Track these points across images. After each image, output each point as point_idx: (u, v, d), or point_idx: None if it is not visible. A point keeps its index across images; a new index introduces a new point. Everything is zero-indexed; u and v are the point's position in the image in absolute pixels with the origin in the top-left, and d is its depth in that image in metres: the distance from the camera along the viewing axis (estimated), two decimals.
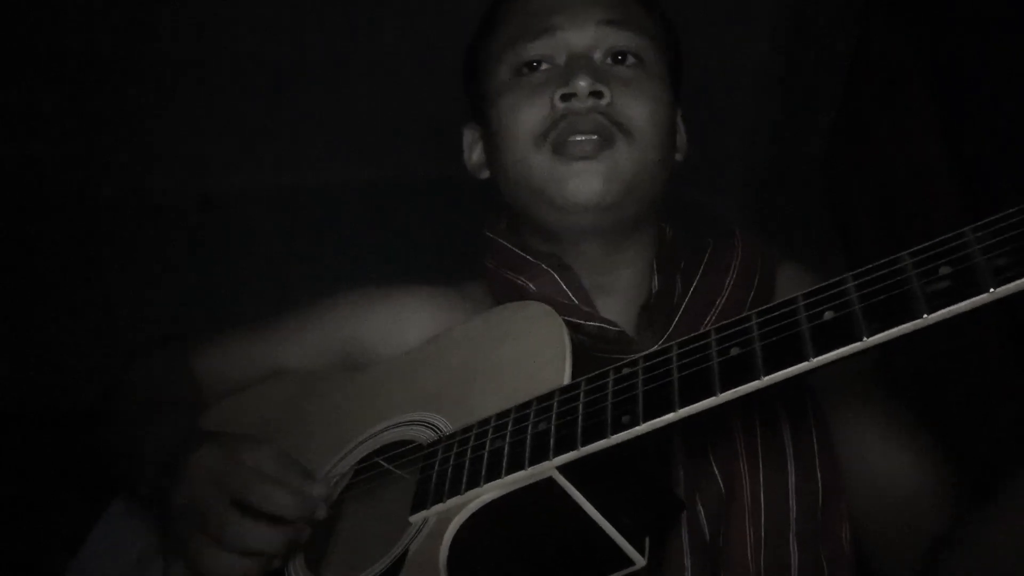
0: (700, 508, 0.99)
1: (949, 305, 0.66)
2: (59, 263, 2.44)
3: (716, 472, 1.01)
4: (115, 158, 2.33)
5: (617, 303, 1.14)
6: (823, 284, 0.74)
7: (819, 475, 1.03)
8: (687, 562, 0.97)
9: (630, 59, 1.15)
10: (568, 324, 0.97)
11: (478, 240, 1.24)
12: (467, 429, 0.92)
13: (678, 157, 1.24)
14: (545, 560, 0.86)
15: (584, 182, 1.08)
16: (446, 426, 0.96)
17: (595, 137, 1.09)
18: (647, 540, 0.85)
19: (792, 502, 1.00)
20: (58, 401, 2.28)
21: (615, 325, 1.08)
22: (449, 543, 0.85)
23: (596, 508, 0.82)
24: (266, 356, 1.22)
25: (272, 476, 0.94)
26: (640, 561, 0.83)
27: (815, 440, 1.04)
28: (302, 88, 2.21)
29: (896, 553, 1.04)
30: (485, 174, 1.24)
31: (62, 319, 2.45)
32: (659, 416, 0.77)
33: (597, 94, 1.10)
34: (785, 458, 1.02)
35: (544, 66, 1.15)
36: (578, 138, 1.09)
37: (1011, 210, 0.67)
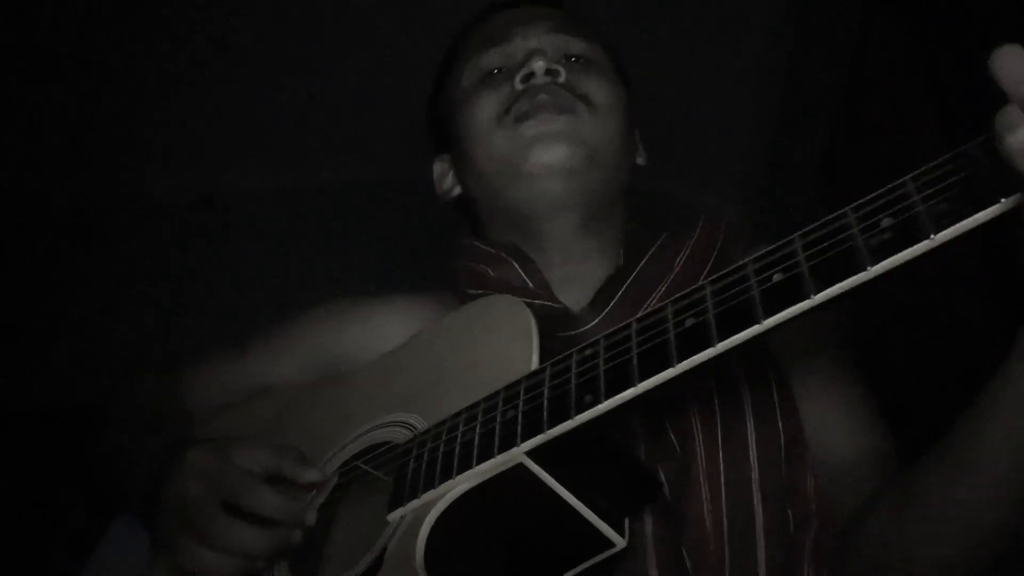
0: (662, 477, 1.00)
1: (892, 255, 0.66)
2: (59, 263, 2.43)
3: (671, 435, 1.02)
4: (115, 158, 2.33)
5: (582, 292, 1.16)
6: (772, 247, 0.75)
7: (780, 425, 1.03)
8: (649, 536, 0.97)
9: (582, 60, 1.21)
10: None
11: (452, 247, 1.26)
12: (439, 425, 0.93)
13: (640, 161, 1.27)
14: (525, 548, 0.86)
15: (549, 146, 1.12)
16: (421, 425, 0.97)
17: (556, 104, 1.13)
18: (627, 521, 0.85)
19: (752, 455, 1.01)
20: (58, 401, 2.28)
21: (558, 302, 1.12)
22: (426, 538, 0.85)
23: (570, 492, 0.82)
24: (249, 376, 1.24)
25: (265, 473, 0.95)
26: (621, 542, 0.84)
27: (775, 391, 1.05)
28: (302, 88, 2.21)
29: (832, 514, 1.03)
30: (456, 191, 1.28)
31: (62, 319, 2.44)
32: (620, 392, 0.78)
33: (554, 72, 1.16)
34: (743, 411, 1.03)
35: (504, 71, 1.20)
36: (540, 98, 1.13)
37: (947, 155, 0.66)
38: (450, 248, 1.26)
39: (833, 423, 1.06)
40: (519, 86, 1.15)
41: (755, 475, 1.00)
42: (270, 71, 2.18)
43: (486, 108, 1.17)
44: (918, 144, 1.83)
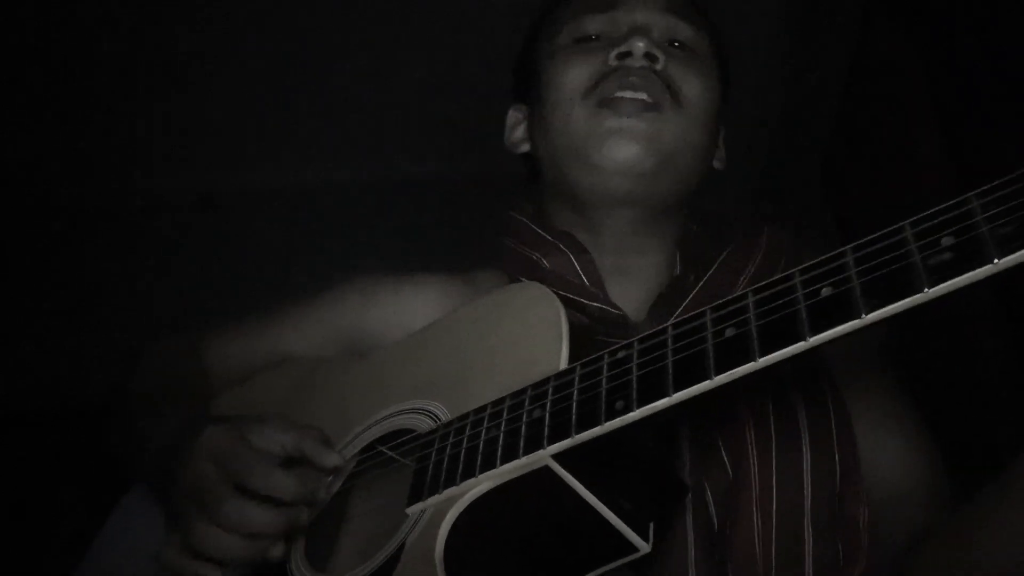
0: (709, 495, 0.96)
1: (951, 278, 0.62)
2: (59, 263, 2.43)
3: (724, 456, 0.98)
4: (115, 158, 2.33)
5: (635, 289, 1.13)
6: (821, 258, 0.71)
7: (837, 456, 0.99)
8: (691, 552, 0.94)
9: (687, 49, 1.16)
10: (572, 304, 0.95)
11: (490, 232, 1.24)
12: (463, 418, 0.91)
13: (717, 165, 1.23)
14: (546, 549, 0.85)
15: (624, 143, 1.08)
16: (444, 414, 0.95)
17: (643, 95, 1.08)
18: (651, 526, 0.83)
19: (807, 485, 0.97)
20: (58, 401, 2.28)
21: (618, 309, 1.07)
22: (446, 535, 0.83)
23: (595, 495, 0.80)
24: (272, 344, 1.22)
25: (284, 454, 0.94)
26: (644, 547, 0.82)
27: (832, 418, 1.00)
28: (303, 87, 2.21)
29: (880, 545, 0.99)
30: (524, 148, 1.24)
31: (62, 319, 2.44)
32: (653, 402, 0.75)
33: (652, 57, 1.09)
34: (799, 439, 0.98)
35: (602, 39, 1.15)
36: (627, 94, 1.08)
37: (1015, 174, 0.62)
38: (499, 222, 1.22)
39: (886, 451, 1.03)
40: (613, 62, 1.10)
41: (808, 504, 0.96)
42: (271, 71, 2.17)
43: (575, 76, 1.12)
44: (918, 144, 1.83)
